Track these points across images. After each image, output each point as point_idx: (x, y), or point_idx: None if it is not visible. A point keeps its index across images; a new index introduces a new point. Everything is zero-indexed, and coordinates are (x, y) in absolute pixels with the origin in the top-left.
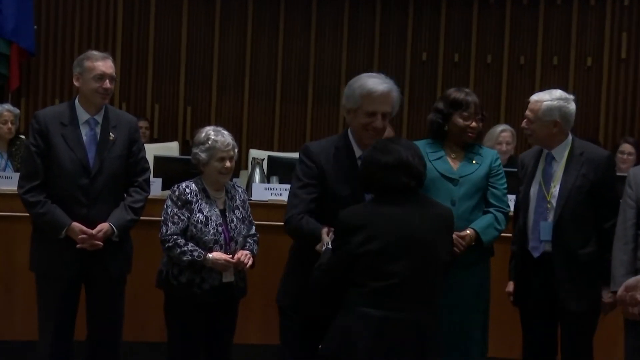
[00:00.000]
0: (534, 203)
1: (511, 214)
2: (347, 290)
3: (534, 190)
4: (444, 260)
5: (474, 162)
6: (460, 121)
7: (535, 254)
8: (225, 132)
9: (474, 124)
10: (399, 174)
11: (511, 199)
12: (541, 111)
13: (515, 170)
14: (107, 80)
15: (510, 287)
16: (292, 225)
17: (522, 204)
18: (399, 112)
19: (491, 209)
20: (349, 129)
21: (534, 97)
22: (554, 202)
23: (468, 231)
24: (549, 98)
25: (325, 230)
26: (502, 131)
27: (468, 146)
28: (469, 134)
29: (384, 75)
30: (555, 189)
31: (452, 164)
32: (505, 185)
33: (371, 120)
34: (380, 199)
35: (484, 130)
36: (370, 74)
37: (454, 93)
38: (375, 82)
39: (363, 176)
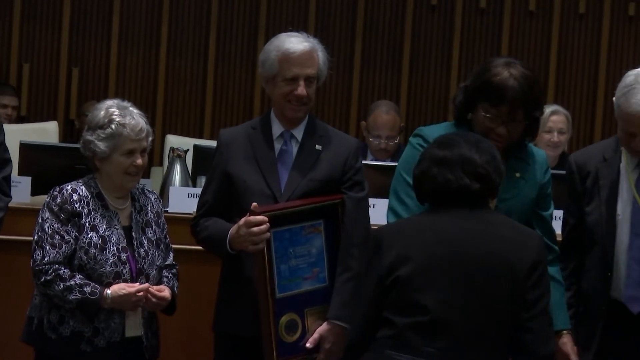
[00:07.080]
0: (625, 232)
1: (558, 238)
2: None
3: (623, 211)
4: (509, 311)
5: (517, 175)
6: (482, 117)
7: (635, 309)
8: (136, 111)
9: (501, 129)
10: (459, 172)
11: (557, 215)
12: None
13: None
14: None
15: None
16: (196, 231)
17: (597, 233)
18: (396, 89)
19: None
20: (272, 108)
21: None
22: None
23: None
24: None
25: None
26: (553, 113)
27: (509, 145)
28: (494, 141)
29: (305, 34)
30: None
31: None
32: (552, 210)
33: (292, 87)
34: (434, 210)
35: None
36: (289, 32)
37: (495, 68)
38: (293, 42)
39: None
